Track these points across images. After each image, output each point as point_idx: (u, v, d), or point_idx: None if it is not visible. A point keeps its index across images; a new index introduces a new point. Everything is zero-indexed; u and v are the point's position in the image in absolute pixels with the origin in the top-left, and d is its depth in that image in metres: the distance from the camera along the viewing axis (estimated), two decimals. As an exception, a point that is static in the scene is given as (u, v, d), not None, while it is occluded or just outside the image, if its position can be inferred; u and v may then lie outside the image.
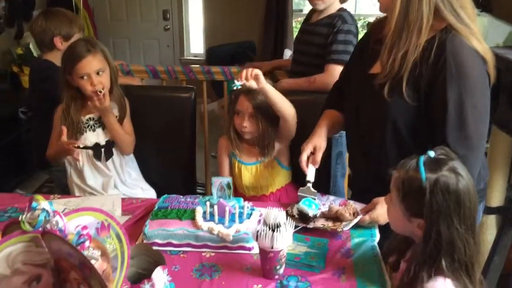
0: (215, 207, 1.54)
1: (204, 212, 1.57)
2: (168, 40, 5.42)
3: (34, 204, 0.93)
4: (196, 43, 5.51)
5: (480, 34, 1.52)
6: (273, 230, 1.32)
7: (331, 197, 1.75)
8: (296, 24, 5.28)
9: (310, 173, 1.68)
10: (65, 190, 2.09)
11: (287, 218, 1.38)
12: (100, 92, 1.86)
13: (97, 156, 1.98)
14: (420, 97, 1.51)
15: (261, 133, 1.91)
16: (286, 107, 1.85)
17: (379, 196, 1.57)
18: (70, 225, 0.96)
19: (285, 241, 1.33)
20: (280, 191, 2.01)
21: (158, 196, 2.04)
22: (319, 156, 1.70)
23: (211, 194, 1.65)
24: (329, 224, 1.59)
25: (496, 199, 2.25)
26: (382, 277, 1.37)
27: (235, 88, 1.74)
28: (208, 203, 1.57)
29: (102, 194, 1.95)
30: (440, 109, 1.48)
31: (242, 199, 1.65)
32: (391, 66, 1.50)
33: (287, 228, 1.34)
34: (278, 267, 1.36)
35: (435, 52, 1.46)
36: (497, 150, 2.30)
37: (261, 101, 1.86)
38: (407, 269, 1.23)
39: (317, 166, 1.71)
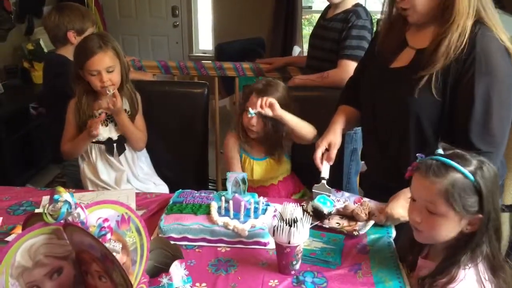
0: (231, 202, 1.53)
1: (219, 207, 1.56)
2: (177, 36, 5.42)
3: (56, 196, 0.92)
4: (205, 40, 5.51)
5: (503, 28, 1.52)
6: (290, 225, 1.31)
7: (346, 194, 1.74)
8: (304, 21, 5.26)
9: (325, 170, 1.68)
10: (78, 185, 2.10)
11: (303, 214, 1.38)
12: (109, 91, 1.87)
13: (110, 151, 1.99)
14: (446, 92, 1.50)
15: (266, 134, 1.92)
16: (305, 131, 1.86)
17: (392, 191, 1.57)
18: (92, 218, 0.96)
19: (301, 236, 1.33)
20: (286, 178, 2.01)
21: (171, 191, 2.04)
22: (333, 152, 1.70)
23: (222, 190, 1.65)
24: (344, 223, 1.58)
25: (510, 196, 2.24)
26: (400, 273, 1.36)
27: (249, 116, 1.80)
28: (223, 198, 1.56)
29: (116, 189, 1.95)
30: (466, 105, 1.47)
31: (256, 195, 1.65)
32: (437, 59, 1.48)
33: (304, 224, 1.34)
34: (294, 262, 1.35)
35: (465, 47, 1.46)
36: (510, 148, 2.28)
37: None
38: (444, 259, 1.23)
39: (331, 163, 1.70)
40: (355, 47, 2.24)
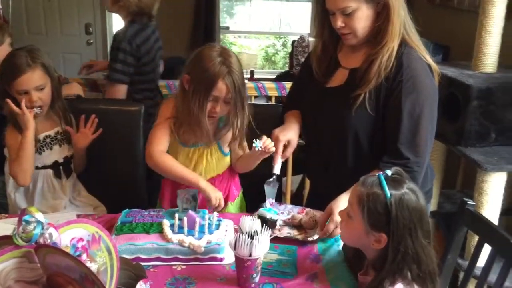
0: (185, 219, 1.51)
1: (172, 225, 1.54)
2: (91, 54, 5.22)
3: (26, 216, 0.86)
4: (121, 59, 5.38)
5: (425, 48, 1.67)
6: (252, 238, 1.33)
7: (289, 206, 1.79)
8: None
9: (278, 166, 1.70)
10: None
11: (262, 226, 1.40)
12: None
13: (57, 174, 1.90)
14: (379, 108, 1.62)
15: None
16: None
17: None
18: (64, 238, 0.91)
19: (262, 248, 1.35)
20: (214, 178, 1.85)
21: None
22: (290, 151, 1.74)
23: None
24: (295, 232, 1.63)
25: (431, 204, 2.42)
26: (354, 280, 1.42)
27: (257, 149, 1.64)
28: (176, 215, 1.54)
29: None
30: (395, 119, 1.60)
31: (206, 211, 1.64)
32: (370, 78, 1.60)
33: (264, 235, 1.36)
34: (254, 275, 1.36)
35: (393, 66, 1.59)
36: (431, 157, 2.48)
37: (240, 81, 1.69)
38: (374, 281, 1.29)
39: (283, 160, 1.73)
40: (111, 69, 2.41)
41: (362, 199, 1.28)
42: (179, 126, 1.75)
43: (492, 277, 1.46)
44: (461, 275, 2.04)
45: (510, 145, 2.17)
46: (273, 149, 1.67)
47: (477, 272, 1.55)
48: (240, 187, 1.97)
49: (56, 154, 1.91)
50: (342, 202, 1.56)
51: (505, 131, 2.15)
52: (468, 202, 1.58)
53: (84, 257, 0.90)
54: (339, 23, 1.60)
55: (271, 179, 1.70)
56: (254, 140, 1.65)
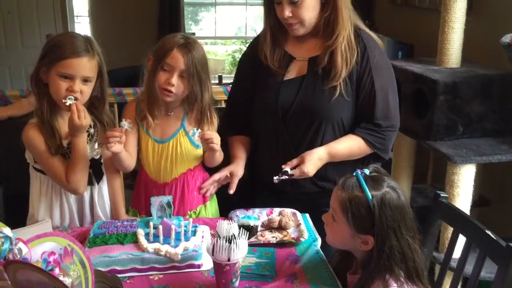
0: (160, 227, 1.48)
1: (147, 234, 1.50)
2: (54, 66, 5.13)
3: (-7, 232, 0.82)
4: (85, 68, 5.29)
5: None
6: (230, 242, 1.30)
7: (256, 210, 1.76)
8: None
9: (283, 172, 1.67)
10: None
11: (239, 229, 1.38)
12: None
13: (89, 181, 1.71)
14: (353, 91, 1.69)
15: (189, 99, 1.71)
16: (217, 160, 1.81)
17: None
18: (34, 252, 0.87)
19: (241, 252, 1.32)
20: (186, 174, 1.81)
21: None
22: (235, 182, 1.75)
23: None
24: (279, 235, 1.62)
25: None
26: (333, 279, 1.41)
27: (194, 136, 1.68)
28: (151, 224, 1.51)
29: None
30: (369, 97, 1.69)
31: (182, 218, 1.62)
32: (339, 69, 1.66)
33: (242, 239, 1.34)
34: (234, 280, 1.34)
35: (358, 51, 1.68)
36: (401, 153, 2.52)
37: (198, 59, 1.66)
38: (361, 281, 1.29)
39: (232, 192, 1.74)
40: None
41: (344, 205, 1.28)
42: (142, 119, 1.75)
43: (468, 269, 1.47)
44: (437, 268, 2.06)
45: (476, 137, 2.21)
46: (215, 146, 1.68)
47: (453, 264, 1.56)
48: None
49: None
50: (315, 154, 1.67)
51: (471, 124, 2.19)
52: (441, 195, 1.60)
53: (56, 271, 0.87)
54: (287, 12, 1.64)
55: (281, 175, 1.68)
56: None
